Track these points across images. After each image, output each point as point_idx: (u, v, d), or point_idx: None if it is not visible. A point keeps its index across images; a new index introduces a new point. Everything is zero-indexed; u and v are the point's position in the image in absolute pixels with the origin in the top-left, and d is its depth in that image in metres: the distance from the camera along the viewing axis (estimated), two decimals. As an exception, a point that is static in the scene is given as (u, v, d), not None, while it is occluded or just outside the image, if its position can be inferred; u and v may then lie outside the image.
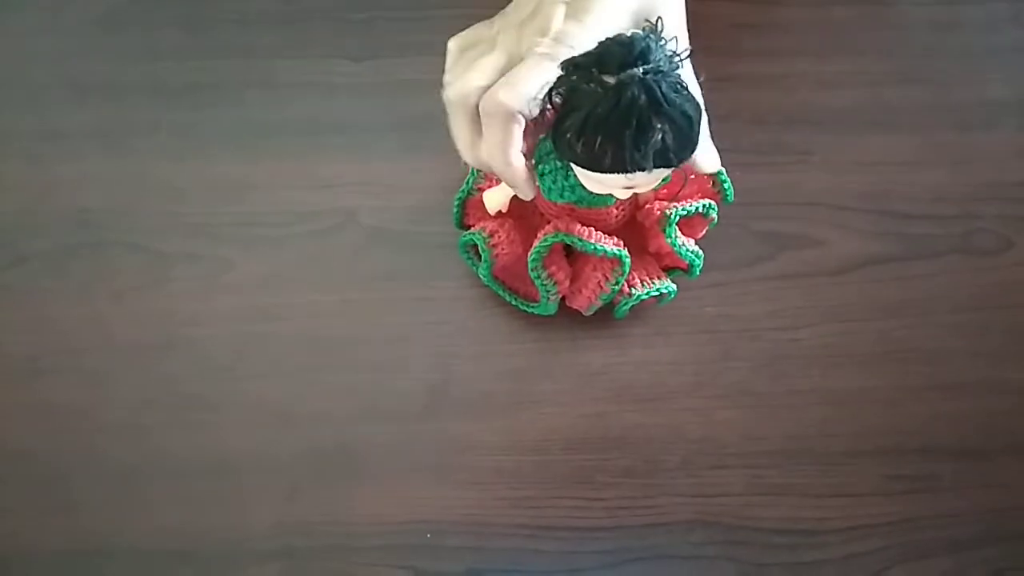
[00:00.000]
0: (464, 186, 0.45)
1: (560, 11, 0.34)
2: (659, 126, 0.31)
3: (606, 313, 0.46)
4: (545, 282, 0.43)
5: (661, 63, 0.30)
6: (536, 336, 0.47)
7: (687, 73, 0.34)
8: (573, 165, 0.35)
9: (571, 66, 0.32)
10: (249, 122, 0.51)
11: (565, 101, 0.32)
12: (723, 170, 0.43)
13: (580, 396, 0.46)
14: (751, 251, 0.49)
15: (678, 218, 0.42)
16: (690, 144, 0.32)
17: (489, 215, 0.44)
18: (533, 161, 0.37)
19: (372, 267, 0.48)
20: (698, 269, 0.45)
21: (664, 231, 0.42)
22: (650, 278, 0.44)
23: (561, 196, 0.38)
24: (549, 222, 0.42)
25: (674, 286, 0.45)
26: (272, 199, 0.49)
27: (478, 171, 0.45)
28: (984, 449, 0.46)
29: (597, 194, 0.37)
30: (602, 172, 0.33)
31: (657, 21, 0.31)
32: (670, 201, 0.43)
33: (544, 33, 0.33)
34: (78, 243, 0.48)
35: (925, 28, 0.55)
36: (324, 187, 0.50)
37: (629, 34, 0.31)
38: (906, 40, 0.54)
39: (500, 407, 0.46)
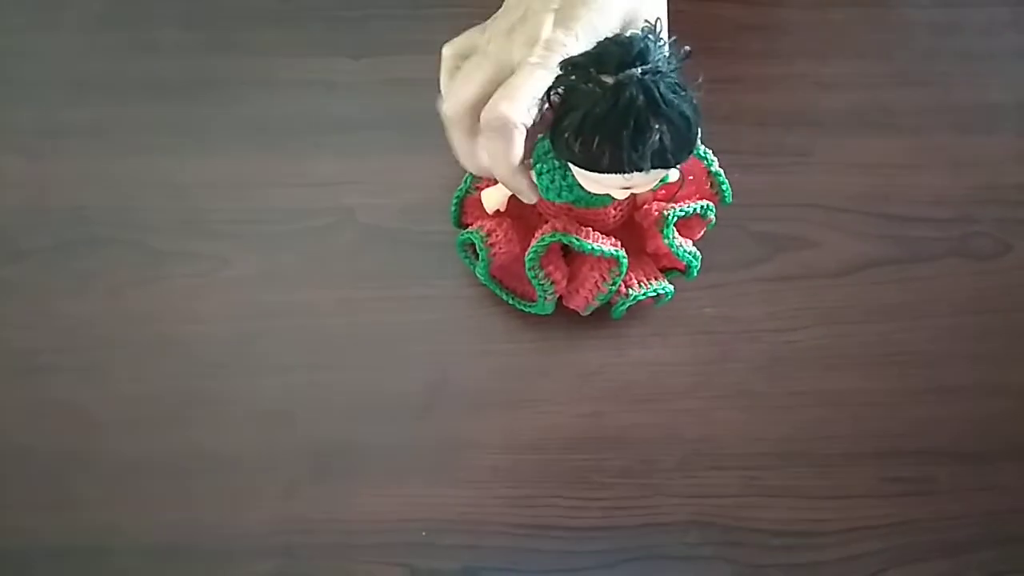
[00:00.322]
0: (462, 185, 0.45)
1: (549, 19, 0.33)
2: (657, 127, 0.31)
3: (604, 313, 0.46)
4: (542, 282, 0.43)
5: (659, 63, 0.30)
6: (534, 336, 0.47)
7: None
8: (571, 165, 0.35)
9: (569, 66, 0.32)
10: (247, 119, 0.51)
11: (563, 100, 0.32)
12: (721, 171, 0.43)
13: (577, 396, 0.46)
14: (749, 252, 0.49)
15: (676, 219, 0.42)
16: (688, 145, 0.32)
17: (487, 214, 0.44)
18: (531, 161, 0.37)
19: (369, 265, 0.48)
20: (696, 270, 0.45)
21: (662, 232, 0.42)
22: (647, 279, 0.44)
23: (559, 196, 0.38)
24: (547, 222, 0.42)
25: (672, 287, 0.45)
26: (270, 196, 0.49)
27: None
28: (982, 452, 0.46)
29: (595, 194, 0.37)
30: (600, 172, 0.33)
31: (656, 22, 0.31)
32: (668, 202, 0.43)
33: (533, 41, 0.33)
34: (77, 240, 0.48)
35: (925, 31, 0.55)
36: (322, 185, 0.50)
37: (628, 34, 0.31)
38: (906, 43, 0.54)
39: (497, 406, 0.46)
